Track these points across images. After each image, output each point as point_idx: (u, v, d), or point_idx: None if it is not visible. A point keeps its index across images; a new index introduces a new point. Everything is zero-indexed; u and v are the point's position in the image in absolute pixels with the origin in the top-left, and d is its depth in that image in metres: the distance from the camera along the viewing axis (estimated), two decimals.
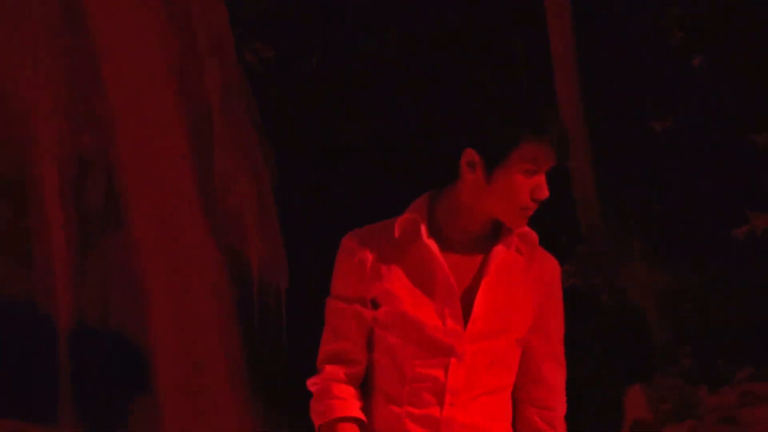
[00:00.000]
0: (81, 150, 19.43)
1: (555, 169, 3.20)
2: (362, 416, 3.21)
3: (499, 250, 3.19)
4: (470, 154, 3.11)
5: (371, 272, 3.19)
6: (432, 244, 3.17)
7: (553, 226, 24.98)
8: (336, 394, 3.19)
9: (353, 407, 3.20)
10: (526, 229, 3.26)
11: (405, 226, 3.19)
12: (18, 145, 18.54)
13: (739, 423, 20.50)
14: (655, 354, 21.86)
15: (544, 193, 3.14)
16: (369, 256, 3.20)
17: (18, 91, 18.82)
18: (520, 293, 3.22)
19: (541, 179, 3.17)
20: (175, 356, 19.67)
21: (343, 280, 3.25)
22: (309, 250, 23.49)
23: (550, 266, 3.33)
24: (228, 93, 21.13)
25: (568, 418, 3.47)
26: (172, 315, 19.77)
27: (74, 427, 18.41)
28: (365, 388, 3.30)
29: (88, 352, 18.89)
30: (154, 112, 20.58)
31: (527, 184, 3.12)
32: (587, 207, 22.06)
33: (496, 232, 3.24)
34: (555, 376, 3.31)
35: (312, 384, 3.24)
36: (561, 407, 3.35)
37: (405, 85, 24.07)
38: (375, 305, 3.21)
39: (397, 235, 3.19)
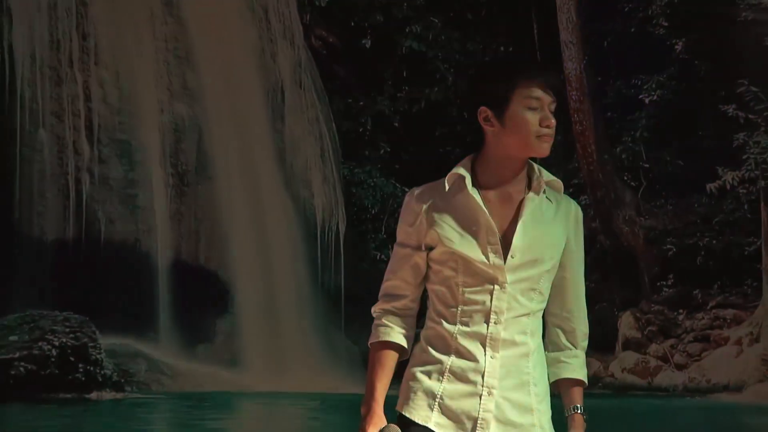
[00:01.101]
0: (177, 117, 19.64)
1: (555, 106, 3.17)
2: (402, 341, 3.26)
3: (531, 197, 3.24)
4: (483, 111, 3.20)
5: (426, 221, 3.25)
6: (475, 194, 3.24)
7: (561, 181, 25.26)
8: (384, 322, 3.27)
9: (395, 334, 3.25)
10: (553, 177, 3.31)
11: (453, 180, 3.26)
12: (128, 114, 18.77)
13: (710, 341, 20.69)
14: (643, 285, 22.03)
15: (551, 121, 3.17)
16: (424, 208, 3.25)
17: (127, 71, 19.05)
18: (550, 231, 3.26)
19: (545, 112, 3.21)
20: (253, 284, 19.81)
21: (403, 229, 3.30)
22: (362, 200, 23.62)
23: (574, 210, 3.32)
24: (297, 70, 21.31)
25: None
26: (251, 250, 19.96)
27: (171, 341, 18.57)
28: (427, 313, 3.32)
29: (182, 280, 19.08)
30: (237, 85, 20.81)
31: (534, 117, 3.17)
32: (589, 165, 22.22)
33: (529, 183, 3.28)
34: (576, 303, 3.36)
35: (373, 311, 3.31)
36: (581, 328, 3.35)
37: (438, 65, 24.24)
38: (430, 248, 3.25)
39: (447, 188, 3.26)
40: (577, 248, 3.28)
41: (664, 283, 21.65)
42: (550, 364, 3.31)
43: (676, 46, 21.83)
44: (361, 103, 23.24)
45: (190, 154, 19.50)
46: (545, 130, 3.13)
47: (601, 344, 20.33)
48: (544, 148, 3.16)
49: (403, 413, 3.15)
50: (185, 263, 19.16)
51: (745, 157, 19.62)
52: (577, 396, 3.27)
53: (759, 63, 19.86)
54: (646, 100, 22.48)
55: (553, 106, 3.16)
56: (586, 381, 3.29)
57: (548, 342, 3.32)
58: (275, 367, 18.89)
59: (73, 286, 17.37)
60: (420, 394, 3.17)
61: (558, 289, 3.28)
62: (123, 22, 19.09)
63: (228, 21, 20.47)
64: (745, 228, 21.14)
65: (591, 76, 22.46)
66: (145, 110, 19.03)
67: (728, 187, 19.97)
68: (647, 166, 22.93)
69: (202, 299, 19.14)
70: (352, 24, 23.34)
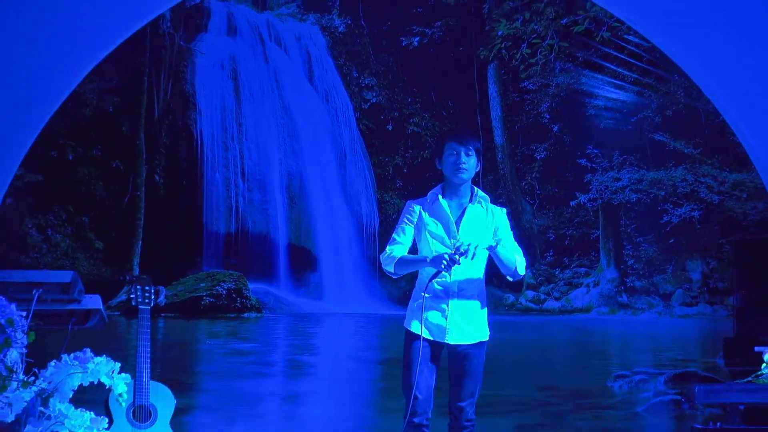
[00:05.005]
0: (289, 167, 19.68)
1: (468, 150, 3.23)
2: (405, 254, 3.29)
3: (470, 206, 3.27)
4: (437, 163, 3.30)
5: (415, 217, 3.27)
6: (443, 203, 3.27)
7: (494, 202, 24.92)
8: (395, 251, 3.24)
9: (402, 253, 3.24)
10: (484, 194, 3.33)
11: (432, 196, 3.31)
12: (264, 165, 18.84)
13: (572, 285, 20.81)
14: (536, 255, 22.14)
15: (460, 161, 3.22)
16: (418, 208, 3.28)
17: (263, 143, 19.11)
18: (482, 224, 3.27)
19: (459, 156, 3.22)
20: (329, 256, 19.78)
21: (406, 217, 3.30)
22: (388, 211, 23.77)
23: (498, 210, 3.35)
24: (352, 143, 21.44)
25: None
26: (328, 238, 19.92)
27: (286, 286, 18.55)
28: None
29: (291, 254, 19.07)
30: (320, 150, 20.80)
31: (452, 160, 3.20)
32: (508, 192, 22.32)
33: (471, 197, 3.30)
34: (512, 247, 3.30)
35: (385, 251, 3.32)
36: (519, 251, 3.31)
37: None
38: (419, 230, 3.27)
39: (428, 200, 3.31)
40: (504, 227, 3.29)
41: (548, 254, 21.58)
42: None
43: (554, 128, 21.76)
44: (386, 159, 23.23)
45: (295, 187, 19.44)
46: (457, 166, 3.19)
47: (514, 287, 20.35)
48: (459, 177, 3.23)
49: (409, 329, 3.21)
50: (293, 245, 19.05)
51: (591, 188, 19.65)
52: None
53: (599, 136, 19.90)
54: (538, 157, 22.42)
55: (470, 151, 3.20)
56: (513, 260, 3.25)
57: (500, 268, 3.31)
58: (342, 299, 18.85)
59: (234, 258, 17.41)
60: (415, 317, 3.21)
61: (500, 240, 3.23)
62: (260, 116, 19.10)
63: (316, 116, 20.44)
64: (591, 224, 21.08)
65: (509, 145, 22.40)
66: (272, 164, 19.00)
67: (581, 203, 19.96)
68: (539, 192, 22.76)
69: (302, 264, 19.04)
70: (381, 117, 23.29)
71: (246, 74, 19.53)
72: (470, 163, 3.31)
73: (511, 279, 3.42)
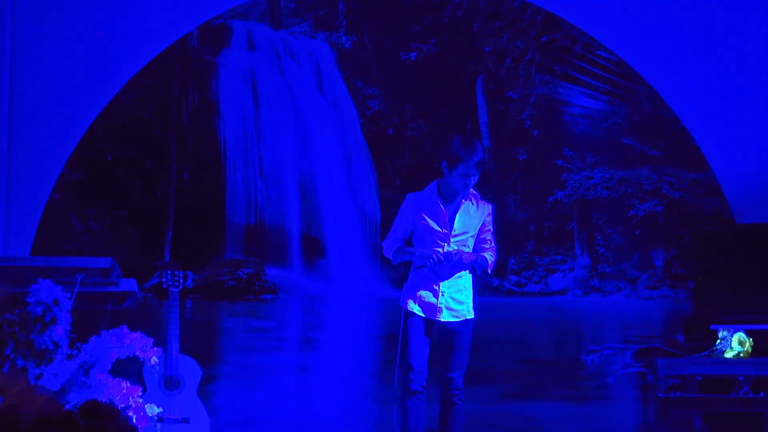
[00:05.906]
0: (302, 167, 19.72)
1: (480, 172, 3.19)
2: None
3: (464, 202, 3.23)
4: (444, 164, 3.21)
5: (414, 210, 3.24)
6: (438, 199, 3.23)
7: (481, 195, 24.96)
8: (394, 245, 3.25)
9: (400, 243, 3.24)
10: (476, 192, 3.28)
11: (428, 192, 3.27)
12: (278, 166, 18.93)
13: (551, 270, 20.84)
14: (518, 244, 22.12)
15: (470, 181, 3.19)
16: (413, 203, 3.26)
17: (279, 146, 19.18)
18: (472, 218, 3.24)
19: (468, 178, 3.18)
20: (336, 244, 19.80)
21: (404, 211, 3.28)
22: (388, 205, 23.66)
23: (487, 207, 3.32)
24: (356, 145, 21.48)
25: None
26: (335, 229, 19.90)
27: (298, 270, 18.63)
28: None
29: (303, 243, 19.14)
30: (331, 152, 20.86)
31: (463, 179, 3.16)
32: (495, 189, 22.36)
33: (464, 195, 3.26)
34: (491, 242, 3.31)
35: (385, 241, 3.29)
36: (493, 248, 3.32)
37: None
38: (414, 224, 3.24)
39: (425, 195, 3.27)
40: (489, 223, 3.27)
41: (529, 243, 21.53)
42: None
43: (534, 133, 21.76)
44: (387, 160, 23.25)
45: (307, 184, 19.47)
46: (466, 186, 3.16)
47: (499, 273, 20.37)
48: (465, 191, 3.19)
49: (405, 307, 3.20)
50: (305, 235, 19.06)
51: (567, 185, 19.65)
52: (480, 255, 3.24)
53: (574, 140, 19.92)
54: (520, 158, 22.34)
55: (478, 171, 3.16)
56: (488, 257, 3.26)
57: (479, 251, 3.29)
58: (347, 282, 18.94)
59: (253, 246, 17.50)
60: (411, 297, 3.20)
61: (481, 240, 3.26)
62: (276, 122, 19.15)
63: (325, 122, 20.49)
64: (567, 218, 21.04)
65: (495, 148, 22.35)
66: (287, 164, 19.03)
67: (558, 199, 19.98)
68: (521, 189, 22.64)
69: (312, 252, 19.05)
70: (383, 123, 23.27)
71: (264, 85, 19.45)
72: (475, 181, 3.29)
73: (479, 273, 3.42)
